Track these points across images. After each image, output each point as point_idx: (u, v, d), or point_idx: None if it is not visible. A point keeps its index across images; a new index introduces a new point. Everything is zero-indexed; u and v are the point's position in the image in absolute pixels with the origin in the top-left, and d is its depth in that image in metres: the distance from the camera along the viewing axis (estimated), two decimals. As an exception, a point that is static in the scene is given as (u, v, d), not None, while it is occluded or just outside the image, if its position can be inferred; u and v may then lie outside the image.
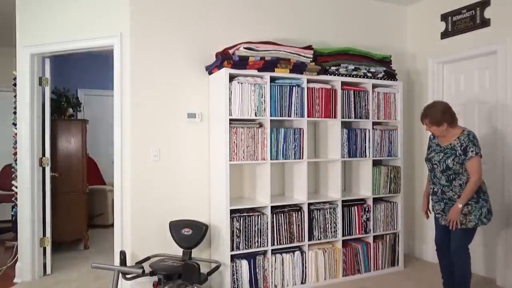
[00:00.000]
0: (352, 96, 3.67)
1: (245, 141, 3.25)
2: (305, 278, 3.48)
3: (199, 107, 3.52)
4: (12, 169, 3.91)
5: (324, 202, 3.61)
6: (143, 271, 2.66)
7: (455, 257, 2.94)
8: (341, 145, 3.62)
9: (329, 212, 3.59)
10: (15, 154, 3.81)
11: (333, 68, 3.57)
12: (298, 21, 3.94)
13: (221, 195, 3.25)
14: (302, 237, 3.46)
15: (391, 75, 3.86)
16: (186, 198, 3.47)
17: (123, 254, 3.00)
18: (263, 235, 3.31)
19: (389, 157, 3.86)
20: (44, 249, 3.81)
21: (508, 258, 3.45)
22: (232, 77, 3.23)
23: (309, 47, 3.47)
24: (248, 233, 3.26)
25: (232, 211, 3.24)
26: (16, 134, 3.78)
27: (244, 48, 3.16)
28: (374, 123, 3.78)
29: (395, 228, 3.90)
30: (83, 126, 4.68)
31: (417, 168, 4.35)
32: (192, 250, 3.18)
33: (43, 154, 3.80)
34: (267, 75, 3.29)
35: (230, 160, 3.19)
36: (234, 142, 3.21)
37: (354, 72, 3.65)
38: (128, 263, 3.25)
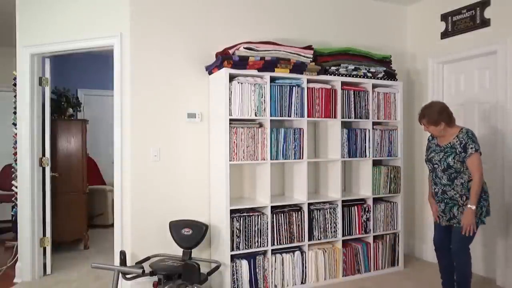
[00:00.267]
0: (352, 96, 3.67)
1: (245, 141, 3.25)
2: (305, 278, 3.48)
3: (199, 107, 3.52)
4: (12, 169, 3.91)
5: (324, 202, 3.61)
6: (143, 271, 2.66)
7: (456, 257, 2.93)
8: (341, 145, 3.62)
9: (329, 212, 3.59)
10: (15, 154, 3.81)
11: (333, 68, 3.57)
12: (298, 21, 3.94)
13: (221, 195, 3.25)
14: (302, 237, 3.46)
15: (391, 75, 3.86)
16: (186, 198, 3.47)
17: (123, 254, 3.00)
18: (263, 235, 3.31)
19: (389, 157, 3.86)
20: (44, 249, 3.81)
21: (508, 258, 3.45)
22: (232, 77, 3.23)
23: (309, 47, 3.47)
24: (248, 233, 3.26)
25: (232, 211, 3.24)
26: (16, 134, 3.78)
27: (244, 48, 3.16)
28: (374, 123, 3.78)
29: (395, 228, 3.90)
30: (83, 126, 4.68)
31: (417, 168, 4.35)
32: (192, 250, 3.18)
33: (43, 154, 3.80)
34: (267, 75, 3.29)
35: (230, 160, 3.19)
36: (234, 142, 3.21)
37: (354, 72, 3.65)
38: (128, 263, 3.25)
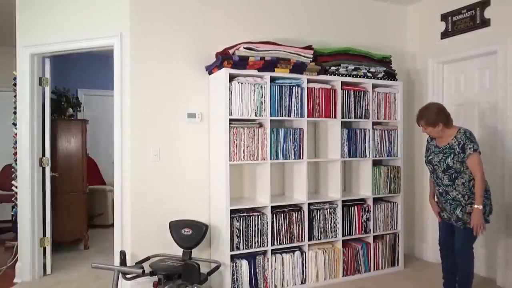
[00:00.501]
0: (352, 96, 3.67)
1: (245, 141, 3.25)
2: (305, 278, 3.48)
3: (199, 107, 3.52)
4: (12, 169, 3.91)
5: (324, 202, 3.61)
6: (143, 271, 2.66)
7: (459, 256, 2.94)
8: (341, 145, 3.62)
9: (329, 212, 3.59)
10: (15, 154, 3.81)
11: (333, 68, 3.57)
12: (298, 21, 3.94)
13: (221, 195, 3.25)
14: (302, 237, 3.46)
15: (391, 75, 3.86)
16: (186, 198, 3.47)
17: (123, 254, 3.00)
18: (263, 235, 3.31)
19: (389, 157, 3.86)
20: (44, 249, 3.81)
21: (508, 258, 3.45)
22: (232, 77, 3.23)
23: (309, 47, 3.47)
24: (248, 233, 3.26)
25: (232, 211, 3.24)
26: (16, 134, 3.78)
27: (244, 48, 3.16)
28: (374, 123, 3.78)
29: (395, 228, 3.90)
30: (83, 126, 4.68)
31: (417, 168, 4.35)
32: (192, 250, 3.18)
33: (43, 154, 3.80)
34: (267, 75, 3.29)
35: (230, 160, 3.19)
36: (234, 142, 3.21)
37: (354, 72, 3.65)
38: (128, 263, 3.25)
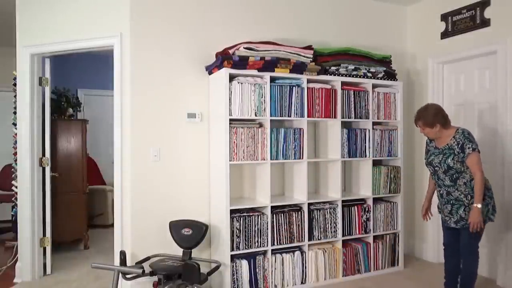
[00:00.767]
0: (352, 96, 3.67)
1: (245, 141, 3.25)
2: (305, 278, 3.48)
3: (199, 107, 3.52)
4: (12, 169, 3.91)
5: (324, 202, 3.61)
6: (143, 271, 2.66)
7: (464, 256, 2.95)
8: (341, 145, 3.62)
9: (329, 212, 3.59)
10: (15, 154, 3.80)
11: (333, 68, 3.57)
12: (298, 21, 3.94)
13: (221, 195, 3.25)
14: (302, 237, 3.46)
15: (391, 75, 3.86)
16: (186, 198, 3.47)
17: (123, 254, 3.00)
18: (263, 235, 3.31)
19: (389, 157, 3.86)
20: (44, 249, 3.81)
21: (509, 258, 3.45)
22: (232, 77, 3.23)
23: (309, 47, 3.47)
24: (248, 233, 3.26)
25: (232, 211, 3.24)
26: (16, 134, 3.78)
27: (244, 48, 3.16)
28: (374, 123, 3.78)
29: (395, 228, 3.90)
30: (83, 126, 4.68)
31: (417, 168, 4.35)
32: (192, 250, 3.18)
33: (43, 154, 3.80)
34: (267, 75, 3.29)
35: (230, 160, 3.19)
36: (234, 142, 3.21)
37: (354, 72, 3.65)
38: (128, 263, 3.25)
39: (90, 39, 3.45)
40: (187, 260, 3.06)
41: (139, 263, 3.12)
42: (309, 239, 3.50)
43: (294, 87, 3.40)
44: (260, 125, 3.36)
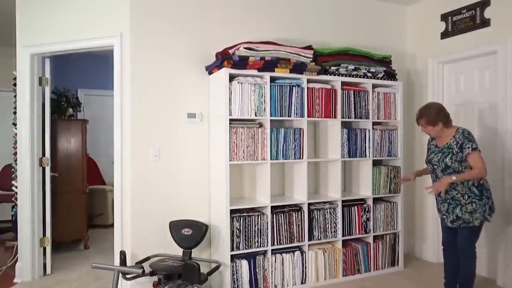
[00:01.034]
0: (352, 96, 3.67)
1: (245, 141, 3.25)
2: (305, 278, 3.48)
3: (199, 107, 3.52)
4: (12, 169, 3.91)
5: (324, 202, 3.61)
6: (143, 271, 2.66)
7: (462, 256, 2.95)
8: (341, 145, 3.62)
9: (329, 212, 3.59)
10: (15, 154, 3.80)
11: (333, 68, 3.57)
12: (298, 21, 3.94)
13: (221, 195, 3.25)
14: (302, 237, 3.46)
15: (391, 75, 3.86)
16: (186, 198, 3.47)
17: (123, 254, 3.01)
18: (263, 235, 3.31)
19: (389, 157, 3.86)
20: (44, 249, 3.81)
21: (509, 258, 3.45)
22: (232, 77, 3.23)
23: (309, 47, 3.47)
24: (248, 233, 3.26)
25: (232, 211, 3.24)
26: (16, 134, 3.78)
27: (244, 48, 3.16)
28: (374, 123, 3.78)
29: (395, 228, 3.90)
30: (83, 126, 4.68)
31: (417, 168, 4.34)
32: (192, 250, 3.18)
33: (43, 154, 3.80)
34: (267, 75, 3.29)
35: (230, 160, 3.19)
36: (234, 142, 3.21)
37: (354, 72, 3.65)
38: (128, 263, 3.25)
39: (90, 39, 3.45)
40: (187, 260, 3.06)
41: (139, 263, 3.12)
42: (309, 239, 3.50)
43: (294, 87, 3.40)
44: (260, 125, 3.36)
